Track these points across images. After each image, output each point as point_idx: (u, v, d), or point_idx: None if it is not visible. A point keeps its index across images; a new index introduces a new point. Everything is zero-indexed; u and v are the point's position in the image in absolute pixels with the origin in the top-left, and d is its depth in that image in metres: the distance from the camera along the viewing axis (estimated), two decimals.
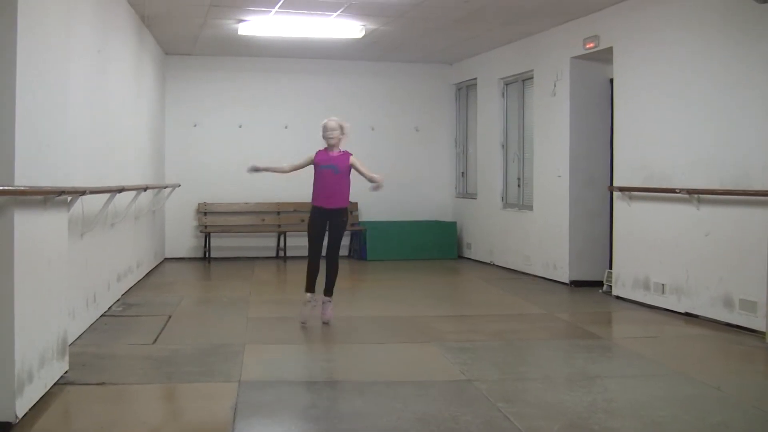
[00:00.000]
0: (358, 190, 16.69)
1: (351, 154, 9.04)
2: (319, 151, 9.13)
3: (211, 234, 15.45)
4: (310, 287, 9.14)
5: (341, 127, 9.02)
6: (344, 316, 9.59)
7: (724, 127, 9.06)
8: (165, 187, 13.70)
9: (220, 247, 15.70)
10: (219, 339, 8.29)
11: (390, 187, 16.30)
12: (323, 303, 9.17)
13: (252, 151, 15.73)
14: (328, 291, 9.21)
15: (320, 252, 9.19)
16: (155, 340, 8.22)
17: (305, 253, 15.60)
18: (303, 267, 14.40)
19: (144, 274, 12.82)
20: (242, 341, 8.16)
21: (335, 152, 9.00)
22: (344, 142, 9.07)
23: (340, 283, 12.25)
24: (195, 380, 6.70)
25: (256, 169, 9.32)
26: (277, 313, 9.97)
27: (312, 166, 9.10)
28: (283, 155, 15.78)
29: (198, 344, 8.01)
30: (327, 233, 9.15)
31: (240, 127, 15.81)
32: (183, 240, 15.65)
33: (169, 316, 9.52)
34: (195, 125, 15.67)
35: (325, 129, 9.00)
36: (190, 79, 15.61)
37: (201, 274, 14.05)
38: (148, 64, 13.25)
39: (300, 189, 15.84)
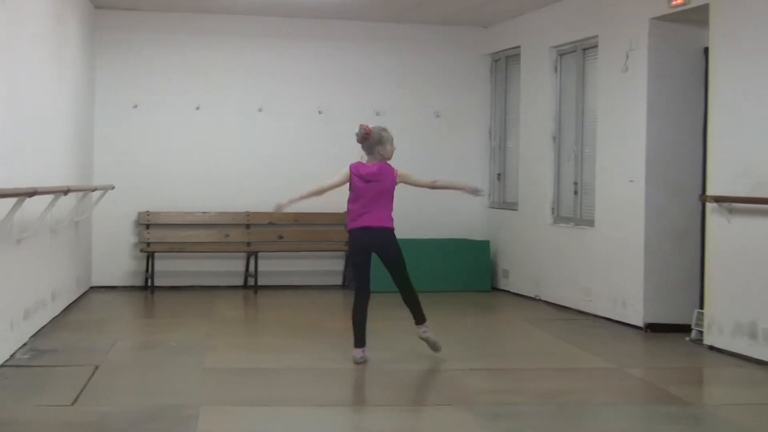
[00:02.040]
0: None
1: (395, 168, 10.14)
2: (359, 163, 10.21)
3: (156, 255, 15.40)
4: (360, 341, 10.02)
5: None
6: (339, 368, 9.54)
7: None
8: (93, 190, 13.66)
9: (168, 272, 15.65)
10: (165, 398, 8.25)
11: (400, 194, 16.39)
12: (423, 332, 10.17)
13: (213, 142, 15.69)
14: (421, 317, 10.25)
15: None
16: (76, 399, 8.15)
17: (283, 280, 15.82)
18: (279, 299, 14.70)
19: (62, 309, 12.77)
20: (196, 401, 8.11)
21: (379, 164, 10.17)
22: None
23: (327, 323, 12.19)
24: None
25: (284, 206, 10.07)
26: (245, 363, 9.94)
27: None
28: (256, 148, 15.84)
29: (136, 405, 7.96)
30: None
31: (197, 109, 15.77)
32: (117, 262, 15.59)
33: (96, 367, 9.45)
34: (135, 106, 15.62)
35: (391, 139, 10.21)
36: (131, 43, 15.57)
37: (141, 309, 14.02)
38: (72, 20, 13.22)
39: (279, 193, 15.84)
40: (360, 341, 9.83)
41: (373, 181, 9.90)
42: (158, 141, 15.68)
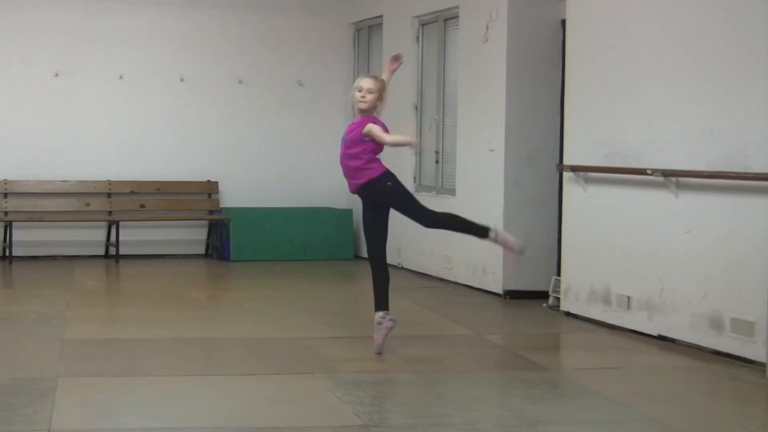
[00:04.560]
0: (217, 164, 16.51)
1: (372, 121, 9.02)
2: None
3: (14, 224, 15.12)
4: (380, 303, 9.20)
5: (380, 89, 9.08)
6: (198, 338, 9.50)
7: (714, 88, 9.16)
8: None
9: (27, 242, 15.39)
10: (22, 371, 8.12)
11: (262, 162, 16.37)
12: (503, 235, 9.28)
13: (74, 108, 15.45)
14: (478, 228, 9.29)
15: (381, 251, 9.32)
16: None
17: (146, 249, 15.68)
18: (141, 269, 14.59)
19: None
20: (55, 374, 8.00)
21: (359, 118, 9.12)
22: (381, 108, 9.16)
23: (190, 293, 12.10)
24: None
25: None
26: (105, 334, 9.83)
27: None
28: (116, 115, 15.63)
29: None
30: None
31: (56, 76, 15.50)
32: None
33: None
34: None
35: (356, 85, 9.12)
36: None
37: None
38: None
39: (141, 161, 15.70)
40: (381, 304, 9.24)
41: (342, 137, 9.36)
42: (15, 107, 15.37)
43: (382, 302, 9.17)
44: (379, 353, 8.99)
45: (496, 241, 9.19)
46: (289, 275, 14.06)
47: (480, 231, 9.20)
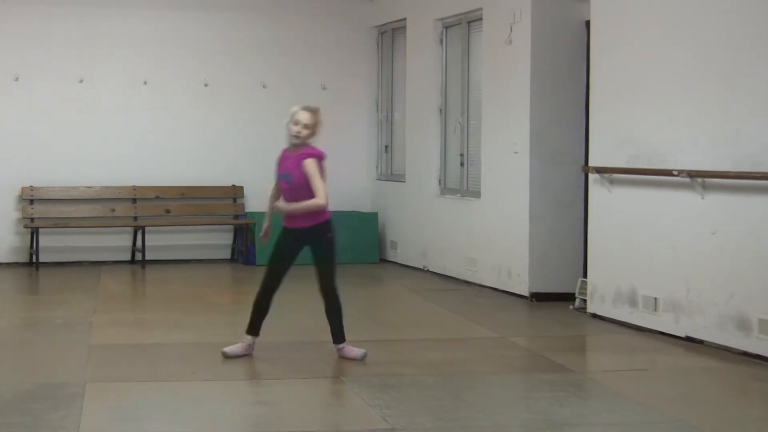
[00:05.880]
0: (242, 168, 16.54)
1: (311, 155, 8.84)
2: (282, 152, 9.08)
3: (40, 230, 15.18)
4: (251, 328, 9.02)
5: (315, 123, 8.89)
6: (223, 342, 9.49)
7: (739, 88, 9.14)
8: None
9: (53, 248, 15.44)
10: (49, 377, 8.15)
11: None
12: (340, 350, 9.02)
13: (98, 115, 15.50)
14: (336, 336, 9.02)
15: (277, 284, 9.08)
16: None
17: (171, 254, 15.69)
18: (167, 274, 14.61)
19: None
20: (82, 379, 8.03)
21: (295, 153, 8.88)
22: (313, 140, 8.95)
23: (214, 298, 12.16)
24: None
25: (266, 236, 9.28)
26: (131, 339, 9.87)
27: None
28: (141, 121, 15.69)
29: (19, 385, 7.86)
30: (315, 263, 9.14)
31: (81, 82, 15.55)
32: (0, 239, 15.37)
33: None
34: (16, 79, 15.36)
35: (292, 119, 8.86)
36: (12, 14, 15.29)
37: (25, 286, 13.84)
38: None
39: (166, 167, 15.75)
40: (252, 329, 9.08)
41: (286, 175, 9.03)
42: (41, 114, 15.42)
43: (257, 328, 9.02)
44: (226, 355, 8.89)
45: (339, 351, 8.95)
46: (312, 279, 14.03)
47: (337, 335, 8.98)
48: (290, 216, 8.88)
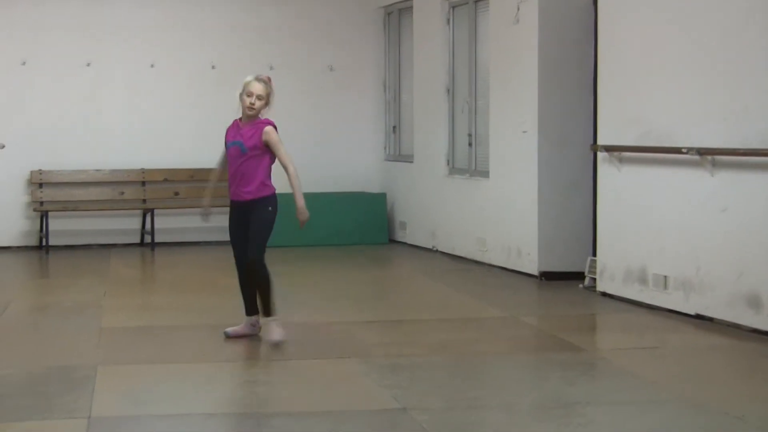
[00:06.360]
0: None
1: (268, 124, 8.80)
2: (233, 122, 8.97)
3: (50, 214, 15.22)
4: (249, 308, 9.00)
5: (268, 94, 8.80)
6: (233, 324, 9.49)
7: (748, 64, 9.11)
8: None
9: (63, 231, 15.48)
10: (60, 359, 8.18)
11: (294, 147, 16.28)
12: (264, 326, 8.94)
13: (106, 98, 15.52)
14: (264, 309, 8.90)
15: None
16: None
17: (180, 237, 15.70)
18: (176, 257, 14.64)
19: None
20: (93, 362, 8.06)
21: (250, 124, 8.80)
22: (268, 110, 8.89)
23: (224, 280, 12.15)
24: (27, 418, 6.57)
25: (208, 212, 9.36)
26: (141, 321, 9.89)
27: None
28: (149, 104, 15.69)
29: (31, 368, 7.90)
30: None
31: (88, 65, 15.57)
32: (9, 222, 15.40)
33: None
34: (24, 63, 15.38)
35: (246, 90, 8.77)
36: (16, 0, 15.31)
37: (35, 270, 13.89)
38: None
39: (174, 149, 15.76)
40: (250, 309, 9.09)
41: (238, 142, 8.92)
42: (49, 98, 15.45)
43: (252, 306, 8.97)
44: (227, 335, 8.92)
45: (265, 326, 8.84)
46: (323, 260, 14.08)
47: (267, 309, 8.84)
48: (238, 190, 8.85)
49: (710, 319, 9.54)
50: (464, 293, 11.49)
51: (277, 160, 8.84)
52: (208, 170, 15.55)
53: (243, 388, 7.55)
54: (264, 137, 8.71)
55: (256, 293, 8.90)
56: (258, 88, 8.74)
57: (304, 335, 9.22)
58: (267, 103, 8.81)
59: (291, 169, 8.80)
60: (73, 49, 15.52)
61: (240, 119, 8.88)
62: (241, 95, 8.79)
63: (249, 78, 8.85)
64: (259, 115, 8.82)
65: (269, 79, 8.91)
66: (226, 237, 9.48)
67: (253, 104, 8.70)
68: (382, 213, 16.10)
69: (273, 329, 8.79)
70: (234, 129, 8.89)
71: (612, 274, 10.92)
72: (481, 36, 13.77)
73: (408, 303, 11.24)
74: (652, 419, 6.59)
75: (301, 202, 8.86)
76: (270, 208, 8.91)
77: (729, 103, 9.28)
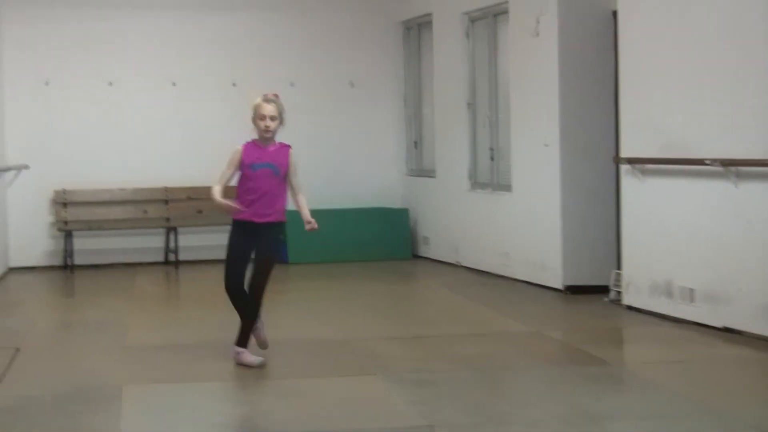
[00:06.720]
0: None
1: (290, 147, 8.79)
2: (247, 144, 8.84)
3: (74, 233, 15.25)
4: (247, 314, 8.86)
5: (281, 112, 8.73)
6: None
7: None
8: (7, 170, 13.51)
9: (87, 250, 15.52)
10: (86, 379, 8.19)
11: (316, 163, 16.36)
12: (239, 354, 8.80)
13: (128, 117, 15.56)
14: (241, 339, 8.76)
15: (242, 281, 8.85)
16: None
17: (204, 254, 15.72)
18: (201, 274, 14.65)
19: None
20: (119, 381, 8.08)
21: (271, 146, 8.75)
22: (282, 128, 8.83)
23: None
24: None
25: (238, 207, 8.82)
26: (166, 339, 9.90)
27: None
28: (171, 122, 15.74)
29: (57, 387, 7.89)
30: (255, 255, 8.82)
31: (110, 84, 15.62)
32: (34, 242, 15.43)
33: (17, 350, 9.35)
34: (47, 83, 15.44)
35: (258, 113, 8.69)
36: (39, 17, 15.36)
37: (60, 289, 13.90)
38: None
39: (197, 167, 15.78)
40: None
41: (271, 165, 8.82)
42: (72, 118, 15.49)
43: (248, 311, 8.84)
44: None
45: (241, 354, 8.65)
46: (347, 276, 14.08)
47: (244, 339, 8.69)
48: (259, 210, 8.66)
49: (738, 332, 9.50)
50: (489, 307, 11.47)
51: None
52: (232, 187, 15.68)
53: (269, 405, 7.52)
54: (291, 159, 8.70)
55: (245, 305, 8.76)
56: (269, 109, 8.65)
57: (328, 351, 9.22)
58: (281, 122, 8.73)
59: (302, 196, 8.81)
60: (96, 69, 15.58)
61: (256, 141, 8.76)
62: (254, 119, 8.69)
63: (258, 101, 8.74)
64: (275, 137, 8.74)
65: (277, 96, 8.83)
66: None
67: (269, 126, 8.62)
68: (405, 228, 16.09)
69: (248, 356, 8.64)
70: (256, 150, 8.72)
71: (637, 287, 10.88)
72: (500, 49, 13.78)
73: (432, 318, 11.22)
74: None
75: (309, 215, 8.73)
76: (281, 236, 8.94)
77: (751, 114, 9.26)
